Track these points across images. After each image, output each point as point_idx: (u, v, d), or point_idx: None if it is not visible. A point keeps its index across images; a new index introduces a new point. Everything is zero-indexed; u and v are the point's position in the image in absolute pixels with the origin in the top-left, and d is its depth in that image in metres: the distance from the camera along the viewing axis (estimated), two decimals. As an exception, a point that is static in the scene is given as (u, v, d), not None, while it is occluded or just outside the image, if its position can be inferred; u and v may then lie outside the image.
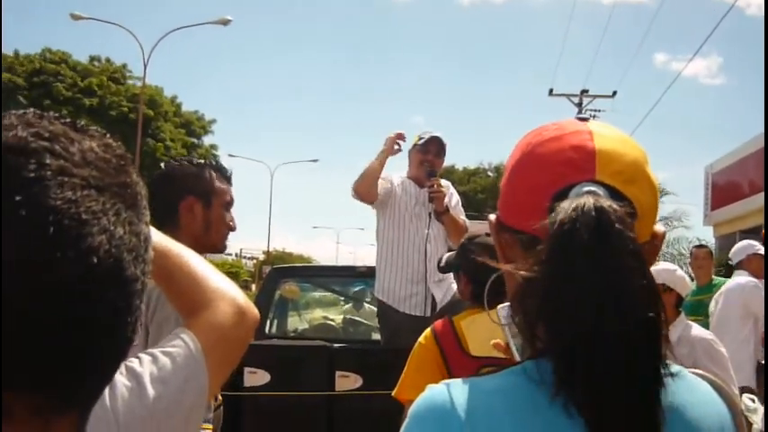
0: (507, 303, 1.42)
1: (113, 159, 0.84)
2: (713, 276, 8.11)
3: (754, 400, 4.72)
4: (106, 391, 1.17)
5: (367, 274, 6.36)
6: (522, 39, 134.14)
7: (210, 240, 2.96)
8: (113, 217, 0.80)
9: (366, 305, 8.09)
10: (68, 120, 0.85)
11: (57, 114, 0.86)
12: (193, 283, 1.54)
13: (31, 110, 0.84)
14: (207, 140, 50.21)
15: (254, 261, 62.98)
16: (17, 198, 0.73)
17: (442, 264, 3.89)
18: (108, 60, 47.53)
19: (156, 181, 2.97)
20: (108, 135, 0.89)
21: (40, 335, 0.74)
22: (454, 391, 1.13)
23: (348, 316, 8.37)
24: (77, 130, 0.85)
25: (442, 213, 5.58)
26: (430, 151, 5.65)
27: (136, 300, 0.84)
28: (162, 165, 3.13)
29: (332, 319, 8.55)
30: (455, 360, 3.06)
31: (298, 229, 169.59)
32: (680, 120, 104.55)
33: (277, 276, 7.11)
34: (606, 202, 1.11)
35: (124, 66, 47.60)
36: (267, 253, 62.29)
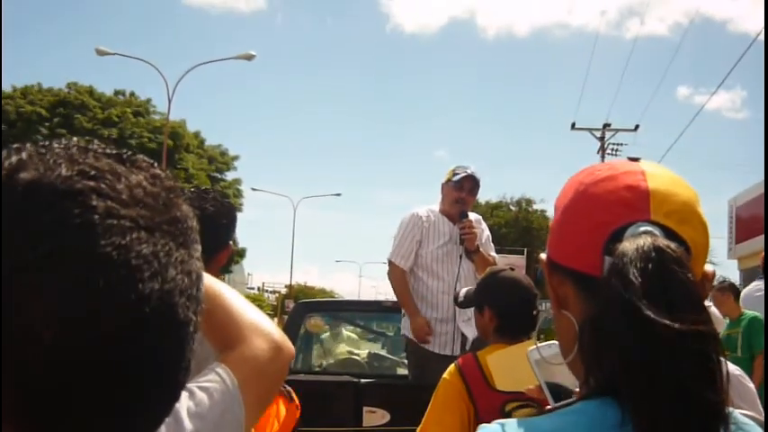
0: (538, 344, 1.42)
1: (162, 193, 0.81)
2: (743, 310, 8.01)
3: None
4: None
5: (393, 309, 6.35)
6: (544, 72, 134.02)
7: None
8: (165, 258, 0.77)
9: (391, 340, 8.08)
10: (114, 151, 0.82)
11: (102, 146, 0.83)
12: (229, 317, 1.53)
13: (74, 141, 0.82)
14: (230, 175, 50.42)
15: (277, 295, 62.97)
16: (64, 247, 0.71)
17: (461, 299, 3.86)
18: (132, 94, 47.83)
19: (210, 217, 2.86)
20: (155, 164, 0.86)
21: (92, 389, 0.73)
22: (509, 431, 1.12)
23: (374, 351, 8.34)
24: (123, 162, 0.82)
25: (473, 252, 5.58)
26: (464, 188, 5.63)
27: (189, 343, 0.82)
28: (215, 197, 3.01)
29: (357, 354, 8.52)
30: (480, 395, 3.05)
31: (320, 263, 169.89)
32: (703, 153, 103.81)
33: (303, 311, 7.10)
34: (664, 242, 1.12)
35: (149, 101, 47.87)
36: (289, 287, 62.23)
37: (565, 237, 1.27)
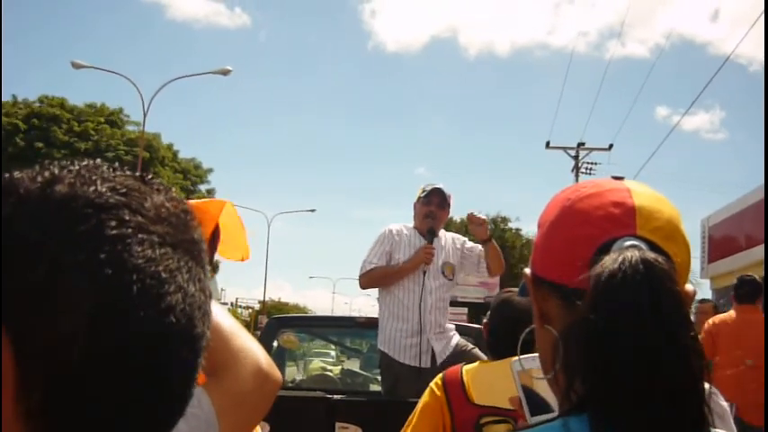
0: (518, 357, 1.42)
1: (182, 215, 0.85)
2: None
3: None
4: None
5: (366, 325, 6.35)
6: (523, 92, 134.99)
7: None
8: (186, 274, 0.81)
9: (364, 356, 8.07)
10: (133, 173, 0.86)
11: (127, 168, 0.86)
12: (218, 340, 1.49)
13: (99, 161, 0.85)
14: (203, 188, 50.36)
15: (250, 311, 62.73)
16: (101, 256, 0.74)
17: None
18: (104, 105, 47.73)
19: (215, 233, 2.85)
20: (172, 189, 0.89)
21: (115, 392, 0.75)
22: None
23: (346, 367, 8.34)
24: (145, 183, 0.85)
25: (485, 242, 5.72)
26: (432, 202, 5.69)
27: (201, 357, 0.86)
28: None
29: (330, 370, 8.51)
30: (458, 407, 3.09)
31: (294, 279, 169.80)
32: (681, 173, 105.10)
33: (275, 326, 7.07)
34: (651, 256, 1.13)
35: (121, 110, 47.84)
36: (263, 303, 62.11)
37: (550, 251, 1.27)
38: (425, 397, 3.23)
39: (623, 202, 1.22)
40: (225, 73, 31.54)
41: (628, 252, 1.13)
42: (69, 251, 0.74)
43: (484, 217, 5.66)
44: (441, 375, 3.26)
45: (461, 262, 5.90)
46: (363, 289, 5.81)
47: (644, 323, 1.07)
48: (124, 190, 0.80)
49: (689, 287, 1.22)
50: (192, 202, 2.84)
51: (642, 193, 1.25)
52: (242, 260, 2.86)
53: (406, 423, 3.21)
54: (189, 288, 0.81)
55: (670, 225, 1.22)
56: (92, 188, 0.78)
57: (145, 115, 31.77)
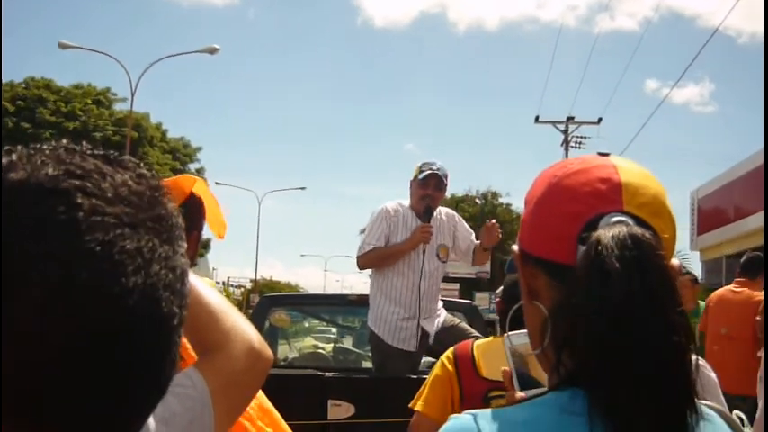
0: (513, 332, 1.43)
1: (147, 192, 0.83)
2: (699, 302, 8.19)
3: (742, 420, 4.72)
4: None
5: (357, 303, 6.36)
6: (513, 66, 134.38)
7: None
8: (149, 254, 0.79)
9: (357, 333, 8.09)
10: (101, 153, 0.84)
11: (90, 147, 0.85)
12: (210, 320, 1.51)
13: (63, 143, 0.84)
14: (193, 167, 50.19)
15: (242, 289, 62.78)
16: (49, 244, 0.73)
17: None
18: (90, 85, 47.42)
19: (190, 200, 2.79)
20: (142, 165, 0.88)
21: (79, 383, 0.75)
22: (481, 422, 1.13)
23: (339, 344, 8.36)
24: (110, 162, 0.84)
25: (485, 249, 5.77)
26: (429, 185, 5.64)
27: (174, 336, 0.84)
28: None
29: (322, 348, 8.53)
30: (467, 380, 3.19)
31: (285, 257, 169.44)
32: (671, 146, 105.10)
33: (267, 305, 7.07)
34: (639, 231, 1.15)
35: (108, 89, 47.53)
36: (254, 281, 62.06)
37: (538, 228, 1.28)
38: (436, 369, 3.31)
39: (609, 179, 1.23)
40: (212, 51, 31.33)
41: (615, 228, 1.15)
42: (20, 242, 0.73)
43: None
44: (452, 349, 3.34)
45: (453, 243, 5.91)
46: (361, 269, 5.81)
47: (632, 298, 1.09)
48: (79, 172, 0.78)
49: (674, 261, 1.24)
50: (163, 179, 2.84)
51: (628, 170, 1.26)
52: (219, 237, 2.88)
53: (417, 395, 3.29)
54: (152, 268, 0.79)
55: (656, 201, 1.24)
56: (44, 173, 0.77)
57: (133, 95, 31.60)
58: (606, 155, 1.31)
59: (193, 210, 2.81)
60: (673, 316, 1.10)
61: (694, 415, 1.10)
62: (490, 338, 3.42)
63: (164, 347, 0.83)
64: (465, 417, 1.16)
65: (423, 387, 3.30)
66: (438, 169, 5.65)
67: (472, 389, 3.11)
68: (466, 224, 6.04)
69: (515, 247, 1.34)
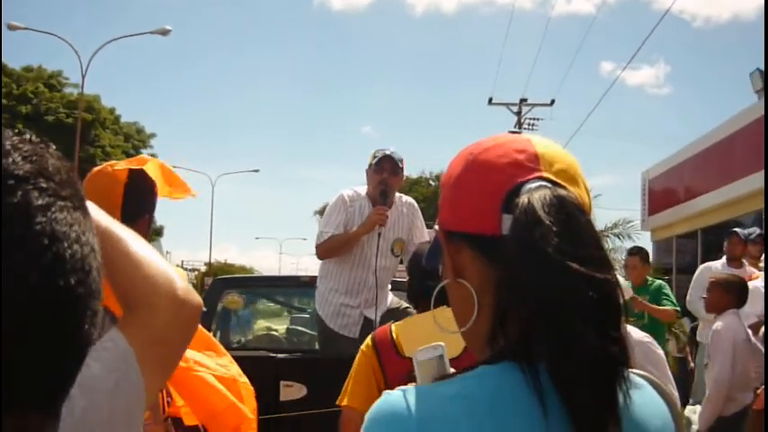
0: (420, 349, 1.39)
1: (71, 174, 0.85)
2: (648, 277, 8.33)
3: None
4: None
5: (311, 284, 6.34)
6: (469, 49, 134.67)
7: None
8: (90, 233, 0.82)
9: (309, 315, 8.08)
10: (26, 135, 0.85)
11: (17, 130, 0.85)
12: (131, 272, 1.47)
13: (9, 131, 0.84)
14: (146, 152, 49.67)
15: (196, 273, 62.33)
16: (36, 228, 0.75)
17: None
18: (41, 67, 46.67)
19: (131, 185, 2.77)
20: (51, 146, 0.88)
21: (53, 358, 0.78)
22: (410, 398, 1.13)
23: (292, 326, 8.35)
24: (37, 144, 0.85)
25: None
26: (385, 169, 5.60)
27: (98, 300, 0.85)
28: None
29: (275, 330, 8.52)
30: (389, 363, 3.10)
31: (240, 240, 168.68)
32: (625, 127, 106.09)
33: (220, 287, 7.05)
34: (563, 192, 1.18)
35: (59, 72, 46.81)
36: (209, 264, 61.76)
37: (459, 205, 1.29)
38: (357, 360, 3.24)
39: (526, 149, 1.26)
40: (164, 33, 30.99)
41: (539, 191, 1.18)
42: (3, 226, 0.73)
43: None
44: (370, 336, 3.28)
45: (409, 238, 5.84)
46: (321, 259, 5.72)
47: (564, 256, 1.11)
48: (34, 157, 0.80)
49: None
50: (115, 163, 2.84)
51: (542, 142, 1.29)
52: (193, 196, 2.94)
53: (343, 390, 3.21)
54: (96, 245, 0.83)
55: (572, 168, 1.26)
56: (9, 159, 0.77)
57: (83, 77, 31.23)
58: (518, 133, 1.34)
59: (139, 190, 2.79)
60: (604, 276, 1.13)
61: (625, 380, 1.12)
62: (406, 319, 3.38)
63: (95, 312, 0.84)
64: (395, 394, 1.16)
65: (347, 382, 3.22)
66: (392, 152, 5.62)
67: (396, 372, 3.01)
68: (423, 224, 5.98)
69: (437, 227, 1.35)
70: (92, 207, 1.55)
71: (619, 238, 22.32)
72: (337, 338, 5.48)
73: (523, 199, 1.17)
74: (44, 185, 0.77)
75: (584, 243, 1.14)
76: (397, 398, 1.14)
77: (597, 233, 1.18)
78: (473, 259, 1.24)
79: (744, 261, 8.62)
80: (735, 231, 8.86)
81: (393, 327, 3.25)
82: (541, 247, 1.12)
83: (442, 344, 1.33)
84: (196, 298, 1.53)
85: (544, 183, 1.20)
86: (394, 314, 5.43)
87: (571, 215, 1.16)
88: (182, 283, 1.51)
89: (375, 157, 5.63)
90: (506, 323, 1.16)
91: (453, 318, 1.36)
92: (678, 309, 8.02)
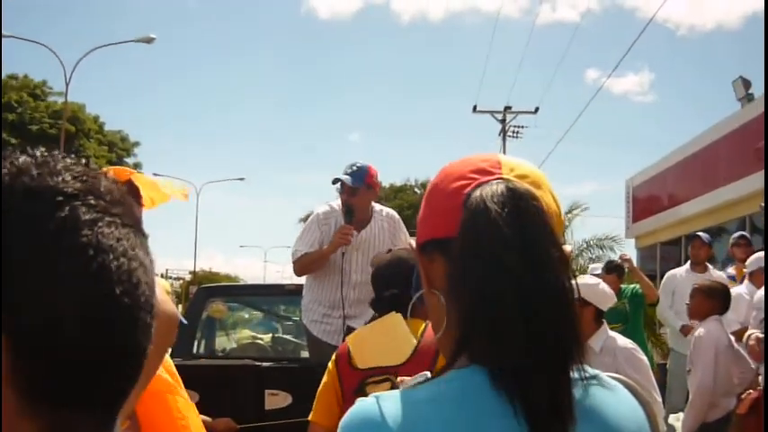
0: (407, 380, 1.43)
1: (127, 197, 0.89)
2: (621, 286, 8.45)
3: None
4: None
5: (295, 292, 6.35)
6: (455, 57, 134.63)
7: None
8: (141, 250, 0.86)
9: (295, 323, 8.07)
10: (80, 160, 0.89)
11: (74, 156, 0.90)
12: None
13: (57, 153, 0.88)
14: (130, 161, 49.49)
15: (181, 281, 62.15)
16: (83, 240, 0.79)
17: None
18: (26, 76, 46.52)
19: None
20: (110, 172, 0.94)
21: (104, 364, 0.81)
22: (384, 404, 1.15)
23: (277, 334, 8.34)
24: (89, 168, 0.88)
25: None
26: (345, 191, 5.64)
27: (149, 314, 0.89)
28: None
29: (260, 338, 8.50)
30: (345, 376, 3.11)
31: (224, 249, 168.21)
32: (610, 135, 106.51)
33: (204, 295, 7.04)
34: (516, 184, 1.21)
35: (44, 82, 46.68)
36: (194, 273, 61.56)
37: (427, 215, 1.33)
38: (324, 377, 3.25)
39: (490, 159, 1.30)
40: (149, 41, 30.95)
41: (492, 185, 1.21)
42: (52, 238, 0.78)
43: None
44: (335, 352, 3.29)
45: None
46: (298, 276, 5.77)
47: (510, 239, 1.14)
48: (85, 177, 0.84)
49: (567, 248, 1.26)
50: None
51: (509, 157, 1.33)
52: (185, 198, 3.01)
53: (312, 410, 3.21)
54: (146, 262, 0.87)
55: (535, 175, 1.29)
56: (59, 178, 0.82)
57: (67, 85, 31.05)
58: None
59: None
60: (551, 258, 1.15)
61: (578, 363, 1.15)
62: (360, 328, 3.42)
63: (150, 328, 0.88)
64: (368, 401, 1.17)
65: (316, 398, 3.24)
66: (348, 174, 5.60)
67: (350, 383, 3.03)
68: (407, 235, 5.93)
69: (412, 242, 1.37)
70: None
71: (601, 249, 22.39)
72: (321, 345, 5.47)
73: (476, 192, 1.21)
74: (93, 202, 0.82)
75: (535, 231, 1.16)
76: (370, 404, 1.16)
77: (549, 221, 1.19)
78: (443, 266, 1.26)
79: (708, 265, 8.63)
80: (698, 235, 8.84)
81: (348, 339, 3.26)
82: (485, 238, 1.15)
83: (427, 374, 1.33)
84: (171, 308, 1.57)
85: (502, 181, 1.23)
86: None
87: (522, 205, 1.18)
88: (158, 294, 1.52)
89: (334, 182, 5.68)
90: (469, 325, 1.17)
91: (402, 322, 1.39)
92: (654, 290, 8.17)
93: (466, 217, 1.19)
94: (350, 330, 5.44)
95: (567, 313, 1.15)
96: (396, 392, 1.18)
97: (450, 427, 1.10)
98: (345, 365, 3.13)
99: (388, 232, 5.83)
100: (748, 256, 7.69)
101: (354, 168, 5.65)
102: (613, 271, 8.46)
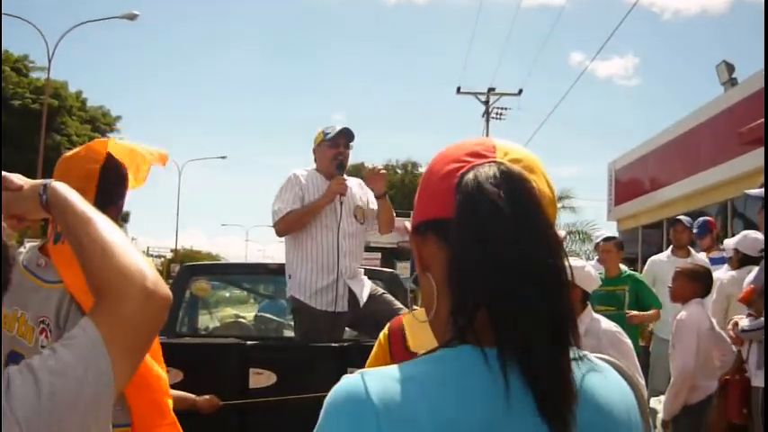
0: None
1: None
2: (621, 268, 8.24)
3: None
4: (3, 390, 1.22)
5: (278, 271, 6.32)
6: (439, 39, 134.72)
7: None
8: None
9: (277, 302, 8.07)
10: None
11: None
12: (104, 259, 1.52)
13: None
14: (112, 136, 49.23)
15: (162, 259, 61.99)
16: None
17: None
18: (7, 51, 46.03)
19: (106, 172, 2.76)
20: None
21: None
22: (369, 381, 1.15)
23: (260, 313, 8.32)
24: None
25: (379, 197, 5.71)
26: (341, 144, 5.66)
27: None
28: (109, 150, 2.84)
29: (244, 317, 8.49)
30: (398, 356, 3.12)
31: (206, 227, 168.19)
32: (594, 118, 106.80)
33: (188, 274, 7.01)
34: (509, 166, 1.22)
35: (26, 56, 46.22)
36: (175, 251, 61.47)
37: (422, 195, 1.34)
38: (375, 347, 3.29)
39: (484, 142, 1.31)
40: (132, 17, 30.78)
41: (485, 167, 1.23)
42: None
43: (383, 170, 5.73)
44: (388, 325, 3.31)
45: (367, 205, 5.87)
46: (281, 236, 5.66)
47: (505, 220, 1.15)
48: None
49: (560, 232, 1.28)
50: (72, 152, 2.83)
51: (505, 141, 1.33)
52: (163, 163, 2.94)
53: None
54: None
55: (529, 159, 1.29)
56: None
57: (50, 61, 30.92)
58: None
59: (113, 177, 2.78)
60: (545, 238, 1.17)
61: (571, 342, 1.17)
62: (414, 311, 3.37)
63: None
64: (353, 377, 1.18)
65: (367, 364, 3.24)
66: (348, 127, 5.69)
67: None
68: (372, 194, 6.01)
69: (407, 224, 1.38)
70: (69, 191, 1.56)
71: (580, 237, 22.47)
72: (322, 317, 5.42)
73: (470, 174, 1.22)
74: None
75: (530, 212, 1.18)
76: (355, 380, 1.17)
77: (537, 199, 1.20)
78: (437, 248, 1.27)
79: (691, 249, 8.59)
80: (679, 219, 8.78)
81: (405, 318, 3.28)
82: (480, 218, 1.16)
83: None
84: (165, 289, 1.56)
85: (494, 163, 1.25)
86: (378, 300, 5.50)
87: (516, 187, 1.19)
88: (152, 274, 1.55)
89: (326, 133, 5.68)
90: (463, 306, 1.18)
91: None
92: (661, 305, 8.00)
93: (460, 199, 1.20)
94: (352, 293, 5.45)
95: (563, 293, 1.17)
96: (383, 369, 1.19)
97: (435, 406, 1.11)
98: (399, 344, 3.16)
99: (360, 190, 5.86)
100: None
101: (344, 126, 5.69)
102: (611, 239, 8.34)
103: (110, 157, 2.73)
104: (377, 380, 1.15)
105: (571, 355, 1.17)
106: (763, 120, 12.54)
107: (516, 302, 1.12)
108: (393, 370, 1.18)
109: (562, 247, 1.20)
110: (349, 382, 1.17)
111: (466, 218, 1.18)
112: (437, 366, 1.16)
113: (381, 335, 3.28)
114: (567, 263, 1.20)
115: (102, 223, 1.59)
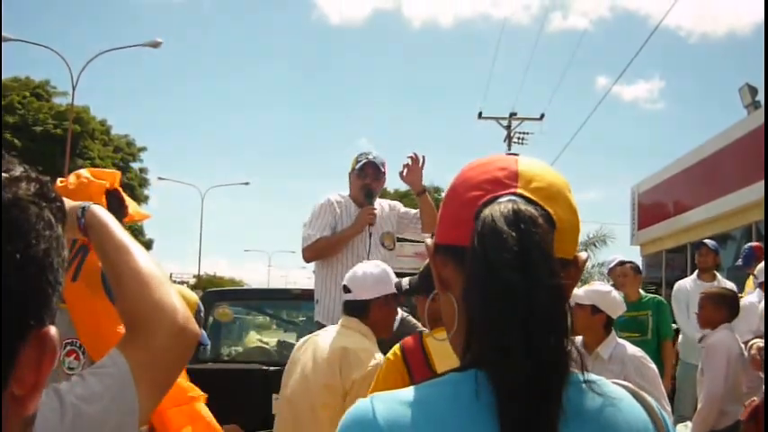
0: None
1: None
2: (641, 293, 8.20)
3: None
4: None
5: (301, 297, 6.34)
6: (464, 63, 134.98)
7: None
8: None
9: (300, 328, 8.07)
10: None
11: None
12: (138, 291, 1.54)
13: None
14: (136, 166, 49.39)
15: (185, 285, 62.18)
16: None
17: (405, 287, 3.83)
18: (28, 77, 46.32)
19: (110, 195, 2.89)
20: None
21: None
22: (377, 404, 1.20)
23: (283, 339, 8.32)
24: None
25: (419, 194, 5.76)
26: (368, 175, 5.72)
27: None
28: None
29: (266, 342, 8.49)
30: (419, 373, 3.11)
31: (229, 253, 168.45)
32: (618, 142, 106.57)
33: (210, 300, 7.03)
34: (523, 206, 1.23)
35: (47, 82, 46.42)
36: (198, 277, 61.64)
37: (443, 218, 1.37)
38: (384, 365, 3.27)
39: (508, 167, 1.32)
40: (155, 45, 31.00)
41: (501, 204, 1.23)
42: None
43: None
44: (398, 345, 3.30)
45: (399, 227, 5.94)
46: (308, 262, 5.73)
47: (509, 265, 1.16)
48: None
49: (581, 254, 1.32)
50: (85, 171, 2.92)
51: (528, 161, 1.35)
52: (141, 220, 3.19)
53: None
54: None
55: (552, 187, 1.30)
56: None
57: (74, 88, 31.15)
58: (515, 155, 1.38)
59: (115, 202, 2.85)
60: (547, 282, 1.17)
61: (565, 380, 1.16)
62: (435, 330, 3.35)
63: None
64: (364, 401, 1.22)
65: (371, 389, 3.20)
66: (374, 158, 5.74)
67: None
68: (405, 208, 6.09)
69: (429, 241, 1.40)
70: (107, 215, 1.59)
71: (595, 245, 22.33)
72: None
73: (486, 211, 1.23)
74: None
75: (530, 257, 1.17)
76: (365, 404, 1.21)
77: (548, 247, 1.20)
78: (455, 271, 1.30)
79: (716, 273, 8.42)
80: (704, 243, 8.62)
81: (423, 337, 3.25)
82: (489, 257, 1.18)
83: None
84: (195, 326, 1.59)
85: (513, 198, 1.26)
86: (403, 324, 5.41)
87: (524, 229, 1.19)
88: (183, 310, 1.57)
89: (358, 161, 5.75)
90: (474, 332, 1.21)
91: None
92: (672, 335, 7.93)
93: (475, 241, 1.21)
94: None
95: (556, 343, 1.17)
96: (393, 392, 1.23)
97: (438, 430, 1.15)
98: (422, 365, 3.14)
99: (390, 218, 5.92)
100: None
101: (375, 156, 5.75)
102: (628, 263, 8.26)
103: (110, 191, 2.81)
104: (385, 403, 1.20)
105: (578, 380, 1.21)
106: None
107: (502, 359, 1.14)
108: (402, 393, 1.22)
109: (564, 297, 1.22)
110: (359, 405, 1.22)
111: (477, 253, 1.20)
112: (443, 390, 1.21)
113: (391, 354, 3.27)
114: (568, 304, 1.23)
115: (139, 253, 1.61)
